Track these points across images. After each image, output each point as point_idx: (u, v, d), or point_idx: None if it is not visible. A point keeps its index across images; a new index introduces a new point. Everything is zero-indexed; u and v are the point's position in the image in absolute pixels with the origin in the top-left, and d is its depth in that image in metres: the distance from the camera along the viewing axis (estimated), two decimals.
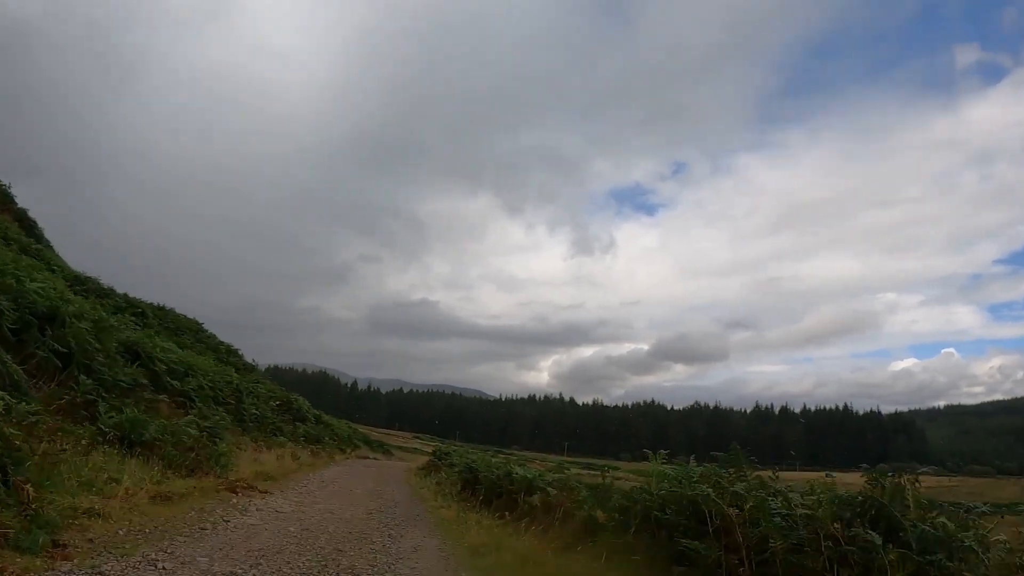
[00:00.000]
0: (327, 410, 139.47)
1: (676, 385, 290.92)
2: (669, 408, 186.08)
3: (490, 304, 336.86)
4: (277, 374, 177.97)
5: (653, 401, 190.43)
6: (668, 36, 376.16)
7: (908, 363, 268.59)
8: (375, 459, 37.35)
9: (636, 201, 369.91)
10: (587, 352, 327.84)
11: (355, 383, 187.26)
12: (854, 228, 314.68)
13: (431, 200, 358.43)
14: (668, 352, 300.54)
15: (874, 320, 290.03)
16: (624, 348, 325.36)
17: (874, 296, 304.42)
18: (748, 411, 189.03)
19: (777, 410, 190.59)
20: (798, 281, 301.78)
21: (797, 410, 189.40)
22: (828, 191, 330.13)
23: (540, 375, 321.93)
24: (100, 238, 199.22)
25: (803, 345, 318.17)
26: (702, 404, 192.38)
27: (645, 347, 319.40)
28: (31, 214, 26.55)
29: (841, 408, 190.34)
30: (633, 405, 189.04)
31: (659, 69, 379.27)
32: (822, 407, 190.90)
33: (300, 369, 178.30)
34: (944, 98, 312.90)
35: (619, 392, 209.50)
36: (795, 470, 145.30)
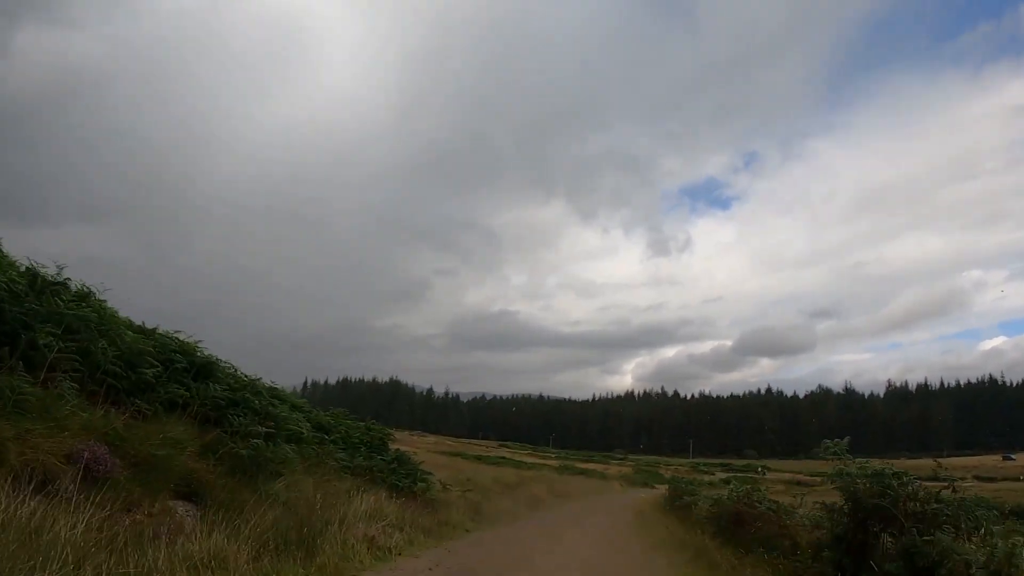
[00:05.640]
0: (399, 422, 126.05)
1: (762, 379, 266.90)
2: (790, 395, 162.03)
3: (570, 311, 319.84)
4: (346, 387, 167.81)
5: (770, 389, 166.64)
6: (731, 24, 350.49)
7: (997, 341, 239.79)
8: None
9: (710, 196, 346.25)
10: (670, 353, 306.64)
11: (430, 390, 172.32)
12: (935, 205, 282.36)
13: (505, 211, 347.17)
14: (752, 347, 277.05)
15: (961, 299, 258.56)
16: (707, 346, 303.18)
17: (959, 274, 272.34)
18: (881, 393, 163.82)
19: (914, 388, 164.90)
20: (882, 265, 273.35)
21: (935, 387, 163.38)
22: (905, 169, 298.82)
23: (624, 379, 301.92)
24: (180, 277, 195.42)
25: (889, 330, 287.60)
26: (824, 387, 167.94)
27: (729, 343, 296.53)
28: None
29: (987, 381, 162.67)
30: (747, 394, 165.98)
31: (724, 59, 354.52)
32: (969, 381, 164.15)
33: (370, 379, 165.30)
34: (1014, 62, 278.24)
35: (704, 391, 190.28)
36: (948, 454, 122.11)
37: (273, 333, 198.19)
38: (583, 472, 47.82)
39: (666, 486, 47.17)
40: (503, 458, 64.76)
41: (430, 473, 14.81)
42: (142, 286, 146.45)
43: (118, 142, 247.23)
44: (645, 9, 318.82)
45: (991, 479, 72.88)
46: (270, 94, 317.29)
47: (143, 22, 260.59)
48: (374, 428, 14.75)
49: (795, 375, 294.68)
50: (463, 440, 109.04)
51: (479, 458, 55.53)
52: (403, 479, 12.78)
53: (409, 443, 74.29)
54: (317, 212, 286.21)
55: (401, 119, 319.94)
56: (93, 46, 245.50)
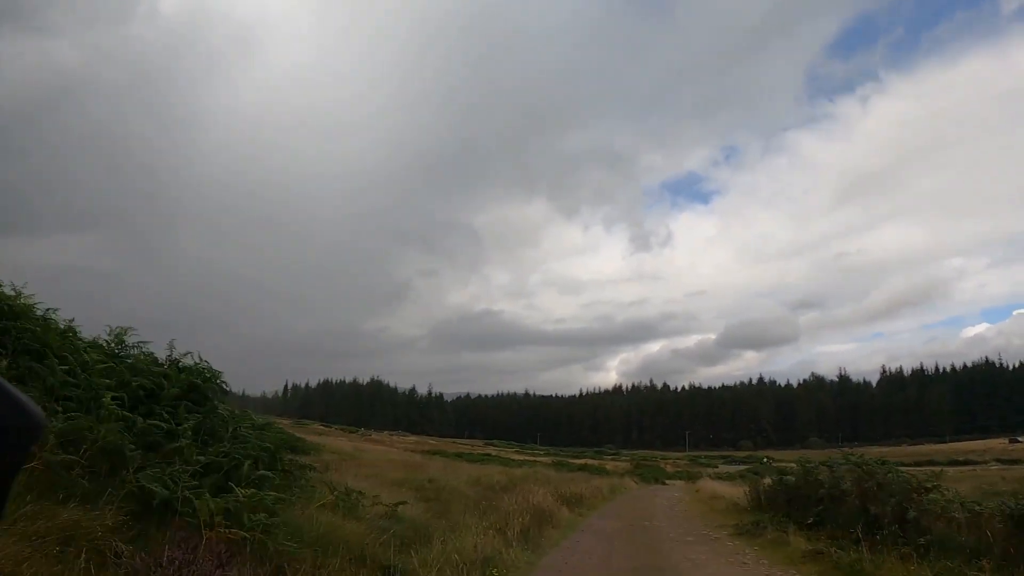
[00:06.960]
0: (382, 423, 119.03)
1: (747, 372, 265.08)
2: (784, 384, 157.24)
3: (553, 309, 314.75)
4: (327, 389, 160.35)
5: (761, 378, 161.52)
6: (711, 18, 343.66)
7: (980, 329, 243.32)
8: None
9: (691, 191, 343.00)
10: (654, 347, 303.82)
11: (412, 390, 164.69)
12: (915, 194, 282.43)
13: (487, 210, 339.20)
14: (736, 340, 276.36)
15: (943, 288, 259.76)
16: (691, 340, 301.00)
17: (941, 263, 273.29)
18: (874, 381, 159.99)
19: (908, 373, 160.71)
20: (864, 255, 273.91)
21: (931, 371, 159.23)
22: (884, 158, 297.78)
23: (608, 375, 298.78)
24: (167, 285, 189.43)
25: (873, 320, 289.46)
26: (817, 376, 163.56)
27: (713, 336, 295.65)
28: None
29: (984, 364, 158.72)
30: (739, 385, 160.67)
31: (706, 53, 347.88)
32: (965, 364, 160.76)
33: (350, 381, 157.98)
34: (993, 48, 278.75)
35: (692, 384, 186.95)
36: (950, 439, 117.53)
37: (260, 339, 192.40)
38: (583, 468, 40.71)
39: (684, 482, 40.53)
40: (488, 455, 57.68)
41: (307, 468, 7.28)
42: (129, 294, 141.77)
43: (102, 150, 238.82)
44: (625, 5, 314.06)
45: (1014, 462, 69.40)
46: (255, 98, 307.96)
47: (123, 29, 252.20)
48: (197, 371, 6.84)
49: (779, 367, 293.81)
50: (447, 440, 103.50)
51: (460, 455, 48.47)
52: (180, 485, 4.81)
53: (387, 443, 67.49)
54: (300, 216, 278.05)
55: (379, 119, 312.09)
56: (73, 53, 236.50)
